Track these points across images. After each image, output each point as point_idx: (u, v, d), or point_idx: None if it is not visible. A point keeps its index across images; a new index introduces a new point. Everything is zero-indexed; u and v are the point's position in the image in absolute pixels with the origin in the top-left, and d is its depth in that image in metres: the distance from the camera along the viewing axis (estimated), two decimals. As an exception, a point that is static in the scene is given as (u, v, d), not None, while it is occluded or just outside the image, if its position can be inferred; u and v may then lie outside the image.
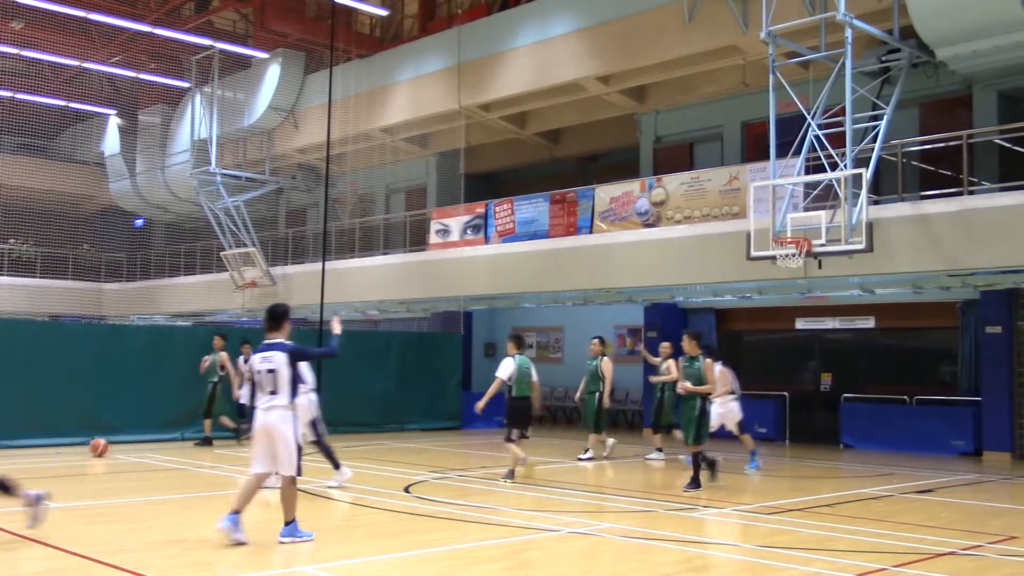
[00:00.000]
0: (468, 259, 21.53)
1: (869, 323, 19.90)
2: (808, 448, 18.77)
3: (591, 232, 19.41)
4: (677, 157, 21.55)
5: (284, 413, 8.31)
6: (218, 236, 27.01)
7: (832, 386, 20.24)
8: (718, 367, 13.95)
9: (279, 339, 8.48)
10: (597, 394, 15.46)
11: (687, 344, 12.44)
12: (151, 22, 25.94)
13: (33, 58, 28.64)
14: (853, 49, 14.59)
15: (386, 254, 24.74)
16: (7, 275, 30.65)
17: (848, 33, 14.35)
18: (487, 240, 21.43)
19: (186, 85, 29.09)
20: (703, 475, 12.26)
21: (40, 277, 31.34)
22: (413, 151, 27.14)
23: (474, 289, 21.56)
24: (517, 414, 12.89)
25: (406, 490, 11.92)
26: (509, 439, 12.93)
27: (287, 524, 8.36)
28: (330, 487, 11.68)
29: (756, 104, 18.60)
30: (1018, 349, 17.01)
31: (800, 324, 20.85)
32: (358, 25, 28.15)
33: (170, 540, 8.54)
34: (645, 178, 19.51)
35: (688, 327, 12.56)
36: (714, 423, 13.87)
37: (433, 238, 22.87)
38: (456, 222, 22.31)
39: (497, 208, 21.44)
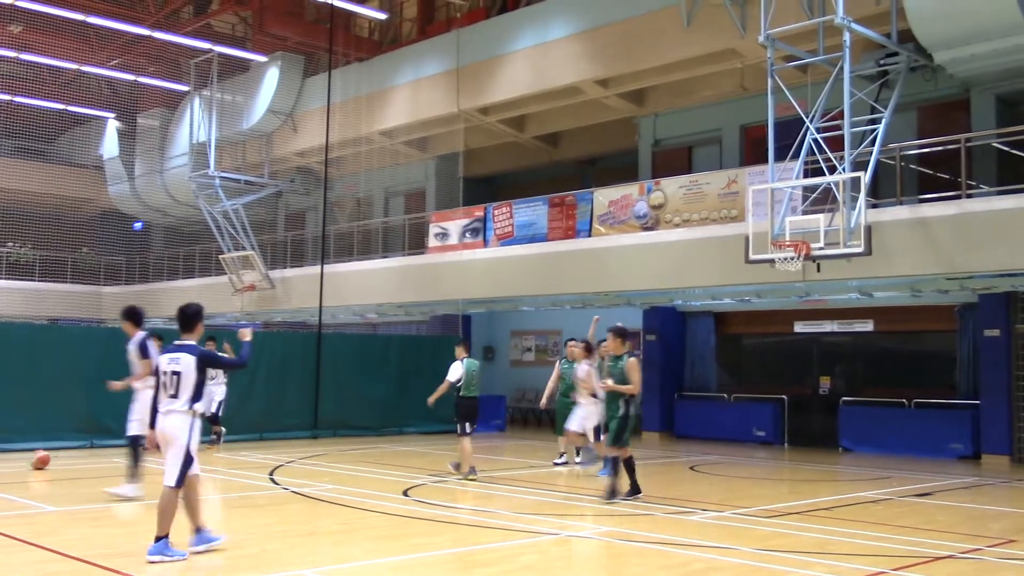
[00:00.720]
0: (467, 262, 21.52)
1: (868, 326, 19.90)
2: (807, 451, 18.77)
3: (590, 235, 19.40)
4: (676, 160, 21.55)
5: (181, 419, 7.95)
6: (217, 239, 27.00)
7: (831, 389, 20.23)
8: (584, 367, 13.98)
9: (190, 341, 8.19)
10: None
11: (611, 342, 11.90)
12: (150, 25, 25.99)
13: (32, 61, 28.67)
14: (851, 53, 14.61)
15: (385, 257, 24.73)
16: (6, 278, 30.65)
17: (846, 37, 14.35)
18: (486, 243, 21.43)
19: (185, 88, 29.12)
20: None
21: (39, 280, 31.33)
22: (412, 154, 27.14)
23: (473, 292, 21.56)
24: (465, 411, 13.58)
25: (405, 493, 11.91)
26: (463, 434, 13.53)
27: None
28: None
29: (755, 107, 18.61)
30: (1016, 352, 17.01)
31: (799, 327, 20.84)
32: (357, 28, 28.22)
33: (168, 544, 8.53)
34: (644, 181, 19.50)
35: (611, 327, 12.16)
36: (575, 425, 14.10)
37: (432, 241, 22.86)
38: (455, 225, 22.31)
39: (496, 211, 21.44)
